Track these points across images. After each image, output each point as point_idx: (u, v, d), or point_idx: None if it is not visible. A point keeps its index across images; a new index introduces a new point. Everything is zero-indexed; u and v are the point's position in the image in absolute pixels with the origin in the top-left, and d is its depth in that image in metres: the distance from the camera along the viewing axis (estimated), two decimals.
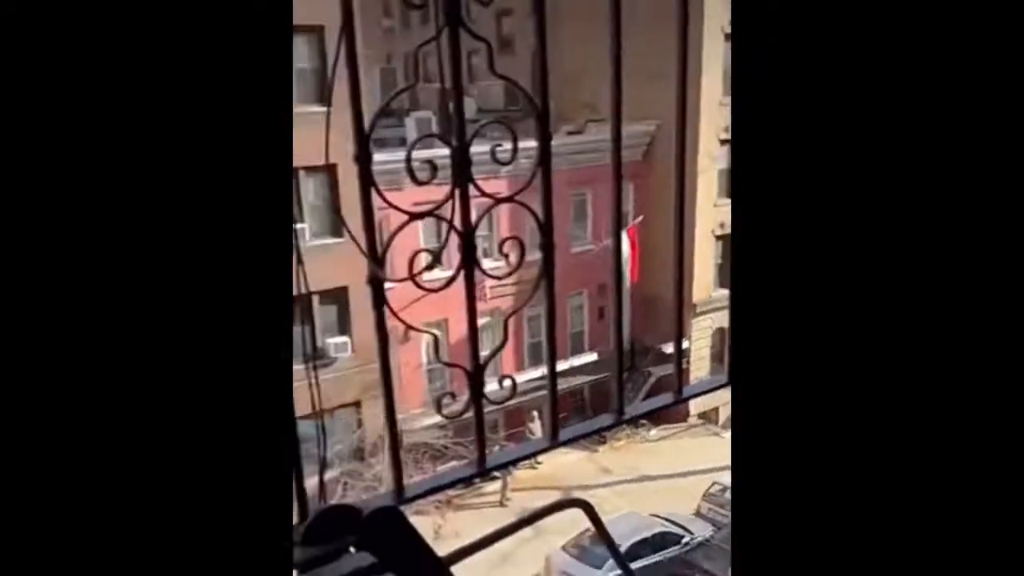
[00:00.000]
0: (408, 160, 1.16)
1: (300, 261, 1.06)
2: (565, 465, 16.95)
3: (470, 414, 1.32)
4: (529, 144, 1.24)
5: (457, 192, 1.17)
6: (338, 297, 15.72)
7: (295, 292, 1.02)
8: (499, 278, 1.51)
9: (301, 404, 1.25)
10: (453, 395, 1.30)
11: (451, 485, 1.35)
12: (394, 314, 1.22)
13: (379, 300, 1.15)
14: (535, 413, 17.89)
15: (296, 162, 1.13)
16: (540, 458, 13.06)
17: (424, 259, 1.22)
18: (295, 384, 1.17)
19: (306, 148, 1.45)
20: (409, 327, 1.36)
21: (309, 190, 15.19)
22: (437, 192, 1.19)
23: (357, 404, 16.49)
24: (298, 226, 14.11)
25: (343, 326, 16.45)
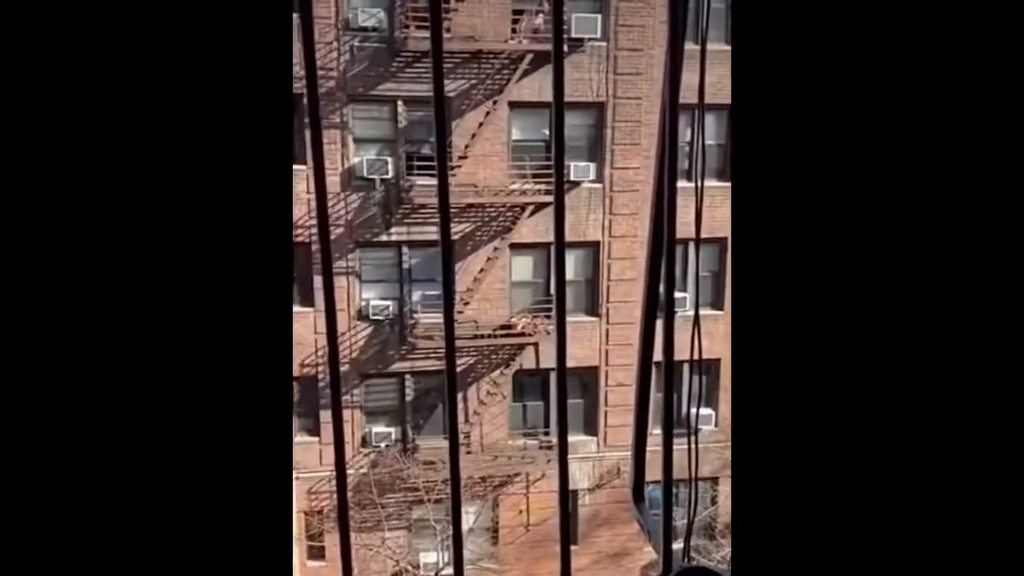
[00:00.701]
0: None
1: (697, 323, 1.12)
2: None
3: None
4: None
5: None
6: (709, 369, 15.64)
7: (690, 356, 1.08)
8: None
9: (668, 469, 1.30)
10: None
11: None
12: None
13: None
14: None
15: (688, 234, 1.18)
16: None
17: None
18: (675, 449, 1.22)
19: (705, 220, 1.53)
20: None
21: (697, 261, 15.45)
22: None
23: (714, 480, 16.09)
24: (680, 295, 14.38)
25: (710, 399, 16.25)
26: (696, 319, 1.30)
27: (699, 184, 1.28)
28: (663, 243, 1.27)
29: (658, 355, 1.33)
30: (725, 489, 16.02)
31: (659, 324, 1.35)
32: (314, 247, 15.38)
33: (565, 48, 1.02)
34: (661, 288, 1.34)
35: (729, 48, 0.92)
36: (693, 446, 1.33)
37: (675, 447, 1.31)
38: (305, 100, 0.97)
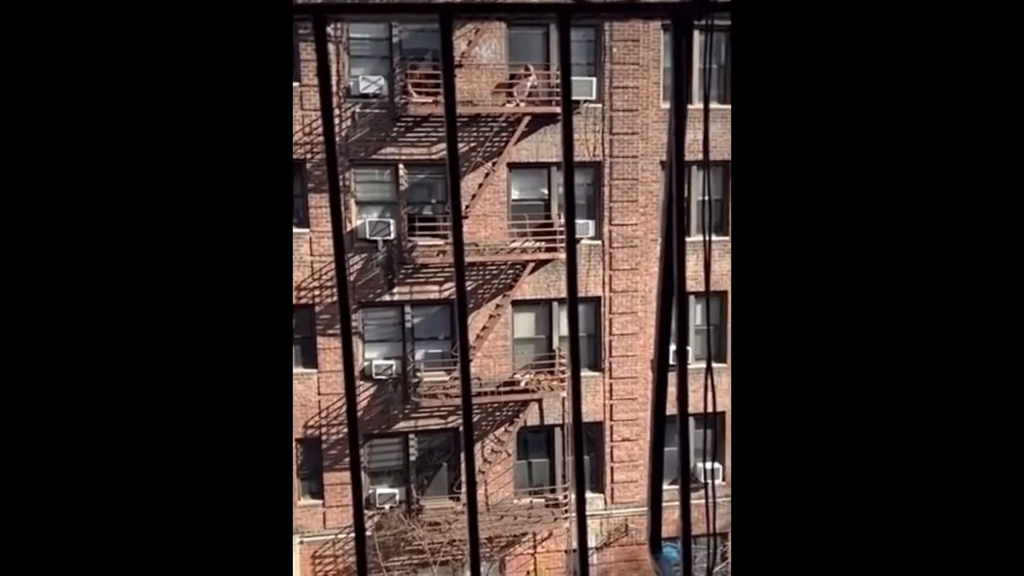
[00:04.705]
0: None
1: (709, 374, 1.17)
2: None
3: None
4: None
5: None
6: (714, 422, 15.54)
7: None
8: None
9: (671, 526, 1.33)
10: None
11: None
12: None
13: None
14: None
15: (692, 287, 1.24)
16: None
17: None
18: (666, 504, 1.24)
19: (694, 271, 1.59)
20: None
21: (697, 313, 15.51)
22: None
23: (723, 535, 15.84)
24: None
25: (716, 452, 16.12)
26: (708, 369, 1.35)
27: (707, 238, 1.34)
28: (672, 298, 1.32)
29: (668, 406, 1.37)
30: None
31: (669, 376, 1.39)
32: (317, 308, 15.45)
33: (562, 110, 1.09)
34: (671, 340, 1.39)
35: (724, 107, 0.97)
36: (711, 499, 1.36)
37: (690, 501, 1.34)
38: (307, 166, 1.03)
